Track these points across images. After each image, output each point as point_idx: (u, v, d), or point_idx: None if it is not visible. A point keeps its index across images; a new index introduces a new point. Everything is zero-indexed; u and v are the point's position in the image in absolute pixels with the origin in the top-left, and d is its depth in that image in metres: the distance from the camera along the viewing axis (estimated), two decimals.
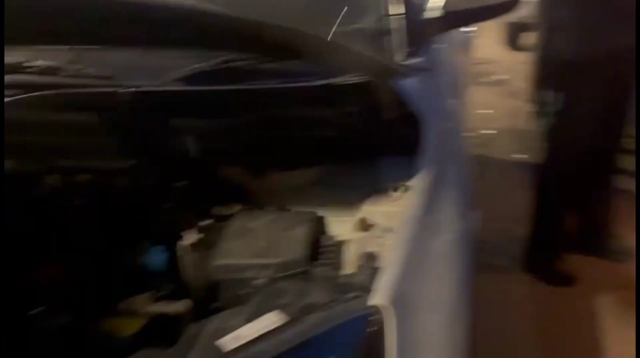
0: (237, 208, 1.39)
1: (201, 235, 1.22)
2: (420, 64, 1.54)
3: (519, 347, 2.06)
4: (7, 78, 1.51)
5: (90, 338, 1.04)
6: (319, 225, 1.21)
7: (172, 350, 0.92)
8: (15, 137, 1.47)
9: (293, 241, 1.12)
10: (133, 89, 1.44)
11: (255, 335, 0.84)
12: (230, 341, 0.84)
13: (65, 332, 1.05)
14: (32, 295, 1.13)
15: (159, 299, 1.15)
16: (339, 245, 1.14)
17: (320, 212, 1.23)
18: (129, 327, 1.06)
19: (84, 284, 1.17)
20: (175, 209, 1.31)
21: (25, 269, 1.18)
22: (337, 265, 1.09)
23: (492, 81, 4.57)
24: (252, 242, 1.13)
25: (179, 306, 1.13)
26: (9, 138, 1.46)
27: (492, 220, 2.52)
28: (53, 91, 1.48)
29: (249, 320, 0.90)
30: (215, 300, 1.15)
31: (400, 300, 0.92)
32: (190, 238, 1.20)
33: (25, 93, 1.50)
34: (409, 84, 1.41)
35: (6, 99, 1.50)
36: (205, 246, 1.22)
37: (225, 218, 1.34)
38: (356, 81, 1.34)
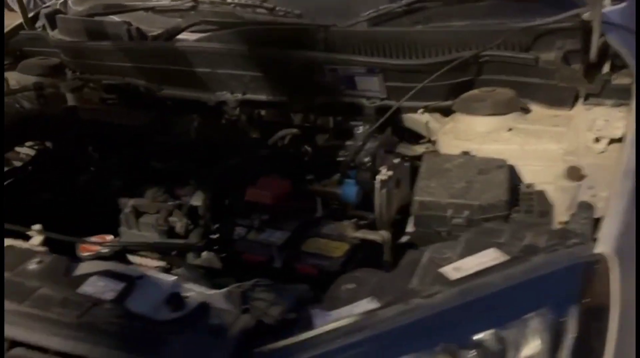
0: (421, 148, 1.41)
1: (391, 172, 1.25)
2: (626, 12, 1.43)
3: None
4: (208, 14, 1.61)
5: (302, 255, 1.13)
6: (512, 172, 1.19)
7: (394, 273, 0.96)
8: (212, 69, 1.58)
9: (492, 185, 1.12)
10: (326, 26, 1.48)
11: (477, 269, 0.86)
12: (451, 271, 0.87)
13: (282, 248, 1.14)
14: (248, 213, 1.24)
15: (359, 228, 1.20)
16: (540, 193, 1.11)
17: (513, 158, 1.21)
18: (338, 249, 1.12)
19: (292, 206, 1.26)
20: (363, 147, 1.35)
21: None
22: (540, 212, 1.07)
23: None
24: (450, 183, 1.14)
25: (378, 236, 1.18)
26: (207, 70, 1.57)
27: None
28: (246, 27, 1.56)
29: (462, 254, 0.92)
30: (403, 232, 1.19)
31: (623, 252, 0.90)
32: (382, 174, 1.24)
33: (222, 28, 1.60)
34: (619, 33, 1.32)
35: (204, 34, 1.60)
36: (394, 182, 1.26)
37: (411, 157, 1.36)
38: (563, 25, 1.28)
